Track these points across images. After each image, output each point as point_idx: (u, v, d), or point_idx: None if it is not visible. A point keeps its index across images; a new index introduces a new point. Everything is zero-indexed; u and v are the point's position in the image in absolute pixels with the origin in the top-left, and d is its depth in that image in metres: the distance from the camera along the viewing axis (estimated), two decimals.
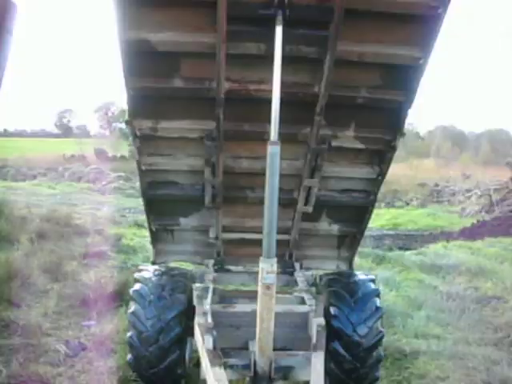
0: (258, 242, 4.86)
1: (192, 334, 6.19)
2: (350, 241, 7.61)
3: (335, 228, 7.34)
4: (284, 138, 4.55)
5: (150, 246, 7.92)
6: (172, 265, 7.62)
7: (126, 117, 5.94)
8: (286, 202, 6.50)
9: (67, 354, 7.65)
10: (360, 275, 7.07)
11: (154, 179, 6.68)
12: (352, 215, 7.19)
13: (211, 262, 7.59)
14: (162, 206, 7.09)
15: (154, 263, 7.71)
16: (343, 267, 7.84)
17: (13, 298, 9.61)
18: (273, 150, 4.44)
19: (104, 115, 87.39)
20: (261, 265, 4.59)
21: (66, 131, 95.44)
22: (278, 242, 4.67)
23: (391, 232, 20.07)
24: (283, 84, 4.57)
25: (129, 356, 6.60)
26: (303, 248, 7.60)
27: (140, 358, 6.40)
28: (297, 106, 5.58)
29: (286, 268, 7.54)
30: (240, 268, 7.76)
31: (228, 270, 7.74)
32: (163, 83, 5.51)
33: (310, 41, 5.12)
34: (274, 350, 5.09)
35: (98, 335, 8.25)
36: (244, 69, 5.42)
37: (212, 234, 7.18)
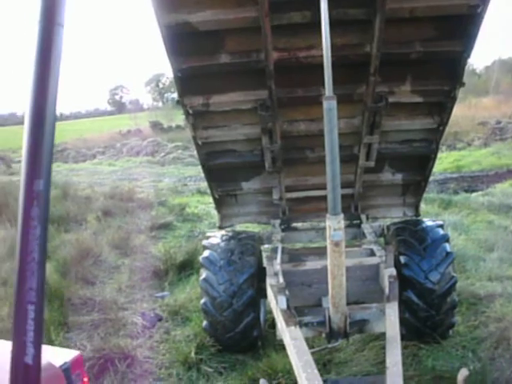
0: (322, 198, 4.81)
1: (265, 296, 6.22)
2: (414, 188, 7.49)
3: (399, 177, 7.23)
4: (339, 99, 4.41)
5: (214, 212, 7.96)
6: (238, 228, 7.64)
7: (177, 96, 5.94)
8: (347, 158, 6.40)
9: (144, 325, 7.79)
10: (427, 222, 6.94)
11: (212, 150, 6.68)
12: (415, 164, 7.07)
13: (277, 222, 7.58)
14: (223, 173, 7.09)
15: (220, 228, 7.75)
16: (409, 213, 7.72)
17: (87, 276, 9.82)
18: (329, 105, 4.31)
19: (155, 87, 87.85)
20: (327, 222, 4.54)
21: (119, 107, 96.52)
22: (343, 197, 4.60)
23: (455, 175, 19.64)
24: (333, 47, 4.41)
25: (204, 322, 6.70)
26: (368, 199, 7.51)
27: (215, 324, 6.49)
28: (349, 67, 5.46)
29: (353, 221, 7.47)
30: (307, 225, 7.73)
31: (295, 229, 7.73)
32: (209, 61, 5.47)
33: (357, 2, 4.97)
34: (348, 304, 5.06)
35: (172, 305, 8.37)
36: (291, 37, 5.30)
37: (275, 195, 7.15)
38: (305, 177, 7.08)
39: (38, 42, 0.79)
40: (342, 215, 4.50)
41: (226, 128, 6.37)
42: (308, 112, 6.14)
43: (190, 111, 6.06)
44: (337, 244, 4.55)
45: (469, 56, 5.49)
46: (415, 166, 7.09)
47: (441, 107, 6.22)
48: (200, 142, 6.50)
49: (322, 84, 4.38)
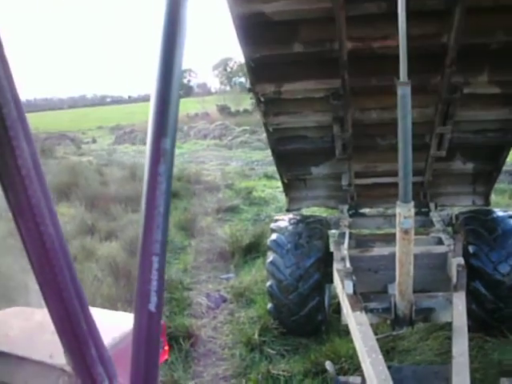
0: (392, 185, 4.77)
1: (330, 281, 6.23)
2: (485, 177, 7.32)
3: (470, 166, 7.08)
4: (413, 88, 4.30)
5: (281, 197, 8.00)
6: (306, 212, 7.63)
7: (248, 84, 5.94)
8: (419, 147, 6.24)
9: (209, 306, 7.90)
10: (498, 212, 6.78)
11: (283, 135, 6.66)
12: (488, 153, 6.89)
13: (345, 207, 7.54)
14: (293, 158, 7.07)
15: (288, 210, 7.77)
16: (479, 202, 7.55)
17: None
18: (403, 91, 4.20)
19: (223, 71, 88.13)
20: (398, 209, 4.48)
21: (187, 91, 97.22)
22: (413, 184, 4.54)
23: None
24: (409, 37, 4.31)
25: (269, 305, 6.73)
26: (437, 186, 7.37)
27: (280, 306, 6.52)
28: (424, 57, 5.27)
29: (421, 208, 7.38)
30: (375, 212, 7.67)
31: (363, 215, 7.68)
32: (282, 50, 5.42)
33: None
34: (414, 292, 5.01)
35: (237, 287, 8.44)
36: (366, 27, 5.19)
37: (344, 182, 7.10)
38: (374, 163, 7.00)
39: (165, 15, 0.83)
40: (412, 203, 4.44)
41: (297, 115, 6.33)
42: (381, 101, 6.01)
43: (262, 99, 6.04)
44: (406, 232, 4.50)
45: None
46: (488, 156, 6.92)
47: None
48: (271, 129, 6.50)
49: (397, 73, 4.27)
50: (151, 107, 0.85)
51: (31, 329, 2.16)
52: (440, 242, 6.43)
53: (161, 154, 0.82)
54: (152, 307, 0.86)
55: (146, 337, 0.89)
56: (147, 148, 0.84)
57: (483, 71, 5.59)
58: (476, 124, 6.42)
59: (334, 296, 6.58)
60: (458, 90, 5.70)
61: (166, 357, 3.09)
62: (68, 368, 1.21)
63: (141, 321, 0.87)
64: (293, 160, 7.07)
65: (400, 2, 4.13)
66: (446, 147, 6.45)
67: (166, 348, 3.03)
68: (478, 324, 6.17)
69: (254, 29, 5.14)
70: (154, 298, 0.86)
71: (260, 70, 5.65)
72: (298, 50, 5.38)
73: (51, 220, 0.91)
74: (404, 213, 4.42)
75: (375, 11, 4.96)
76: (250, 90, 6.01)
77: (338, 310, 6.19)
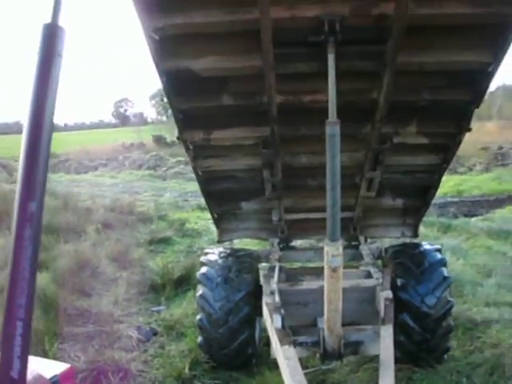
0: (322, 220, 4.82)
1: (261, 314, 6.24)
2: (414, 210, 7.48)
3: (400, 202, 7.20)
4: (343, 136, 4.35)
5: (214, 229, 7.97)
6: (237, 245, 7.64)
7: (176, 133, 5.93)
8: (348, 186, 6.31)
9: (139, 339, 7.78)
10: (425, 245, 6.93)
11: (212, 176, 6.67)
12: (417, 191, 7.03)
13: (276, 240, 7.58)
14: (222, 195, 7.08)
15: (219, 242, 7.79)
16: (408, 233, 7.69)
17: (84, 287, 9.82)
18: (332, 131, 4.26)
19: (160, 101, 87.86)
20: (326, 248, 4.53)
21: (123, 120, 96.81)
22: (342, 219, 4.57)
23: (456, 199, 19.57)
24: (339, 92, 4.36)
25: (199, 338, 6.70)
26: (367, 219, 7.47)
27: (210, 340, 6.50)
28: (355, 110, 5.35)
29: (351, 242, 7.48)
30: (305, 245, 7.72)
31: (293, 248, 7.74)
32: (211, 102, 5.42)
33: (366, 56, 4.86)
34: (343, 325, 5.07)
35: (168, 319, 8.37)
36: (296, 81, 5.21)
37: (275, 217, 7.13)
38: (304, 199, 7.06)
39: (37, 71, 0.83)
40: (340, 241, 4.50)
41: (227, 158, 6.34)
42: (311, 146, 6.03)
43: (191, 146, 6.06)
44: (334, 270, 4.55)
45: (477, 107, 5.40)
46: (417, 193, 7.06)
47: (446, 147, 6.17)
48: (200, 172, 6.51)
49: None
50: (19, 171, 0.85)
51: None
52: (369, 275, 6.52)
53: (27, 219, 0.82)
54: (15, 374, 0.85)
55: None
56: (14, 212, 0.84)
57: (412, 123, 5.72)
58: (405, 166, 6.56)
59: (265, 329, 6.58)
60: (388, 140, 5.82)
61: None
62: None
63: None
64: (222, 197, 7.08)
65: (330, 63, 4.24)
66: (375, 189, 6.57)
67: None
68: (406, 355, 6.29)
69: (182, 83, 5.11)
70: (16, 365, 0.85)
71: (188, 119, 5.65)
72: (227, 103, 5.37)
73: None
74: (332, 251, 4.47)
75: (306, 70, 5.01)
76: (178, 139, 5.96)
77: (268, 343, 6.19)
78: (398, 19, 4.26)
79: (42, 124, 0.80)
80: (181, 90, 5.20)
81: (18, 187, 0.82)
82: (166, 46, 4.58)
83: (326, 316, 4.93)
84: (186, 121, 5.66)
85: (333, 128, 4.26)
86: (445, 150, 6.21)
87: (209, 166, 6.47)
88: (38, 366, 2.74)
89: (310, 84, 5.21)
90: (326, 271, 4.62)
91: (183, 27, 4.45)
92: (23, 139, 0.82)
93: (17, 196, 0.82)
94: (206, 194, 6.99)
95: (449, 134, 5.92)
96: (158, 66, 4.78)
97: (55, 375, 2.76)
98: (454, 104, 5.51)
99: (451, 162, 6.46)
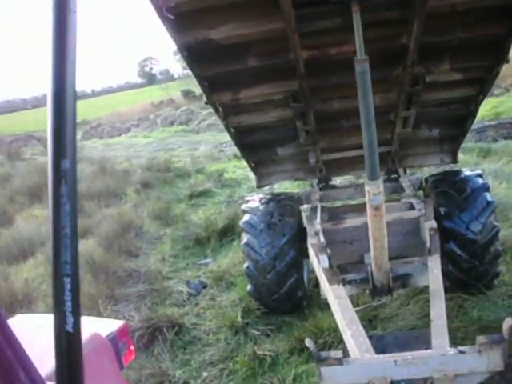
0: (360, 157, 4.75)
1: (307, 256, 6.23)
2: (452, 138, 7.32)
3: (436, 132, 7.03)
4: (374, 81, 4.22)
5: (252, 176, 7.95)
6: (277, 190, 7.61)
7: (204, 98, 5.84)
8: (383, 123, 6.16)
9: (190, 293, 7.89)
10: (466, 171, 6.80)
11: (244, 130, 6.59)
12: (453, 121, 6.87)
13: (315, 181, 7.54)
14: (257, 145, 7.01)
15: (258, 187, 7.78)
16: (447, 160, 7.54)
17: (130, 248, 9.97)
18: (362, 68, 4.12)
19: None
20: (366, 187, 4.47)
21: (150, 79, 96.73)
22: (380, 154, 4.49)
23: (493, 122, 19.05)
24: (367, 41, 4.16)
25: (249, 286, 6.74)
26: (404, 150, 7.29)
27: (260, 287, 6.54)
28: (385, 55, 5.17)
29: (391, 175, 7.39)
30: (345, 183, 7.65)
31: (333, 187, 7.67)
32: (236, 65, 5.25)
33: (392, 6, 4.62)
34: (390, 259, 5.04)
35: (216, 271, 8.45)
36: (321, 36, 4.97)
37: (312, 159, 7.02)
38: (340, 139, 6.93)
39: (53, 29, 0.82)
40: (380, 179, 4.42)
41: (257, 112, 6.21)
42: (342, 92, 5.84)
43: (220, 108, 5.97)
44: (377, 208, 4.50)
45: None
46: (453, 123, 6.91)
47: (482, 80, 5.91)
48: (232, 129, 6.45)
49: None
50: (48, 131, 0.84)
51: None
52: (411, 207, 6.45)
53: (61, 176, 0.81)
54: (69, 328, 0.86)
55: (67, 357, 0.88)
56: (48, 171, 0.83)
57: (445, 61, 5.46)
58: (440, 101, 6.36)
59: (313, 271, 6.60)
60: (421, 81, 5.58)
61: (133, 356, 3.10)
62: None
63: (60, 343, 0.87)
64: (257, 146, 7.01)
65: (355, 21, 4.08)
66: (411, 125, 6.40)
67: (132, 348, 3.05)
68: (455, 284, 6.24)
69: (203, 53, 4.99)
70: (70, 319, 0.86)
71: (214, 84, 5.54)
72: (252, 64, 5.22)
73: None
74: (373, 190, 4.41)
75: (329, 26, 4.80)
76: (206, 103, 5.87)
77: (317, 284, 6.21)
78: None
79: (65, 80, 0.79)
80: (203, 59, 5.09)
81: (49, 147, 0.82)
82: (181, 22, 4.42)
83: (372, 253, 4.91)
84: (211, 86, 5.56)
85: (362, 65, 4.11)
86: (481, 82, 5.96)
87: (240, 122, 6.36)
88: (94, 325, 2.81)
89: (335, 37, 4.98)
90: (368, 210, 4.57)
91: (196, 2, 4.29)
92: (48, 98, 0.81)
93: (49, 155, 0.82)
94: (240, 146, 6.94)
95: (485, 67, 5.66)
96: (176, 41, 4.68)
97: (111, 332, 2.83)
98: (490, 38, 5.22)
99: (487, 94, 6.21)
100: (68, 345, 0.88)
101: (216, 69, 5.29)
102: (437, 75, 5.62)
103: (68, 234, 0.85)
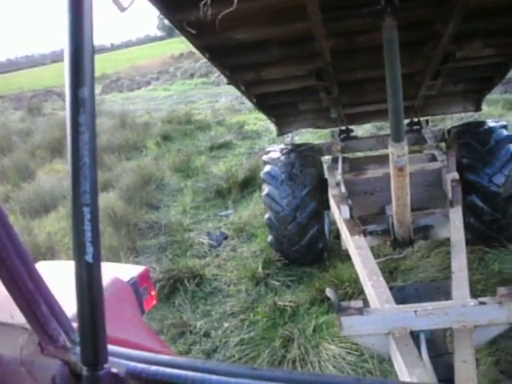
0: (383, 111, 4.65)
1: (328, 207, 6.21)
2: (477, 91, 7.16)
3: (461, 86, 6.90)
4: (401, 51, 3.98)
5: (273, 128, 7.91)
6: (298, 142, 7.57)
7: (226, 80, 5.84)
8: (408, 83, 5.92)
9: (211, 244, 7.93)
10: (490, 123, 6.66)
11: (266, 97, 6.55)
12: (480, 79, 6.74)
13: (337, 131, 7.48)
14: (279, 105, 7.00)
15: (279, 135, 7.78)
16: (471, 108, 7.39)
17: (151, 200, 10.01)
18: (390, 35, 3.89)
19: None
20: (390, 149, 4.38)
21: (169, 32, 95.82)
22: (403, 108, 4.41)
23: None
24: (398, 27, 3.92)
25: (269, 237, 6.76)
26: (427, 100, 7.21)
27: (280, 238, 6.56)
28: (415, 37, 5.04)
29: (413, 126, 7.30)
30: (366, 134, 7.56)
31: (354, 138, 7.60)
32: (258, 56, 5.18)
33: (429, 6, 4.45)
34: (411, 211, 5.01)
35: (237, 222, 8.48)
36: (348, 21, 4.71)
37: (333, 114, 6.93)
38: (363, 95, 6.77)
39: None
40: (405, 141, 4.33)
41: (279, 83, 6.13)
42: (368, 62, 5.64)
43: (242, 86, 5.97)
44: (401, 169, 4.44)
45: None
46: (480, 80, 6.76)
47: None
48: (254, 99, 6.47)
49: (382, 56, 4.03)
50: (65, 58, 0.82)
51: None
52: (433, 158, 6.37)
53: (80, 104, 0.79)
54: (89, 258, 0.85)
55: (87, 287, 0.89)
56: (66, 99, 0.81)
57: (477, 39, 5.25)
58: (468, 67, 6.18)
59: (334, 222, 6.59)
60: (450, 58, 5.38)
61: (155, 302, 3.12)
62: (28, 327, 1.24)
63: (80, 272, 0.87)
64: (278, 105, 6.98)
65: (386, 34, 3.90)
66: (437, 88, 6.27)
67: (153, 293, 3.06)
68: (477, 237, 6.18)
69: (225, 50, 4.94)
70: (90, 249, 0.85)
71: (236, 70, 5.52)
72: (276, 53, 5.13)
73: None
74: (397, 152, 4.33)
75: (360, 28, 4.74)
76: (228, 84, 5.90)
77: (338, 235, 6.20)
78: None
79: (82, 6, 0.78)
80: (225, 54, 5.05)
81: (65, 74, 0.80)
82: (202, 31, 4.36)
83: (394, 209, 4.86)
84: (233, 72, 5.55)
85: (390, 32, 3.88)
86: None
87: (261, 92, 6.37)
88: (115, 270, 2.83)
89: (363, 26, 4.76)
90: (391, 170, 4.49)
91: (217, 13, 4.11)
92: (65, 22, 0.79)
93: (66, 83, 0.80)
94: (262, 108, 6.92)
95: None
96: (197, 47, 4.70)
97: (132, 277, 2.85)
98: None
99: None
100: (88, 274, 0.88)
101: (238, 60, 5.27)
102: (468, 51, 5.45)
103: (87, 164, 0.83)
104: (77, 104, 0.79)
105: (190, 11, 3.99)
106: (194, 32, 4.22)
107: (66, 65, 0.82)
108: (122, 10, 3.14)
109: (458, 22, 4.50)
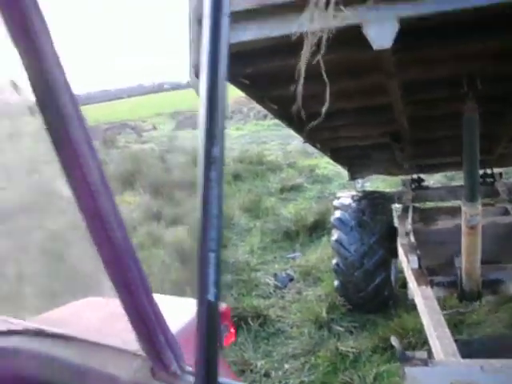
0: (456, 163, 4.62)
1: (396, 256, 6.21)
2: None
3: None
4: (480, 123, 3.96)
5: (344, 174, 7.96)
6: (369, 189, 7.60)
7: (302, 139, 5.95)
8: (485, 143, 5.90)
9: (276, 285, 7.98)
10: None
11: (341, 148, 6.70)
12: None
13: (408, 180, 7.50)
14: (350, 156, 7.13)
15: (351, 180, 7.85)
16: None
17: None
18: (469, 115, 3.91)
19: None
20: (464, 208, 4.33)
21: None
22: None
23: None
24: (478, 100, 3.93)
25: (336, 282, 6.78)
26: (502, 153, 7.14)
27: (347, 283, 6.58)
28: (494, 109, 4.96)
29: (486, 178, 7.25)
30: (437, 184, 7.53)
31: (426, 188, 7.60)
32: (335, 121, 5.23)
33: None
34: (481, 263, 4.97)
35: (304, 265, 8.51)
36: (430, 105, 4.86)
37: (406, 165, 6.99)
38: (436, 149, 6.76)
39: (209, 32, 0.90)
40: (479, 201, 4.28)
41: (355, 139, 6.26)
42: (444, 126, 5.66)
43: (318, 145, 6.18)
44: (473, 227, 4.43)
45: None
46: None
47: None
48: (329, 153, 6.69)
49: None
50: (200, 120, 0.93)
51: (104, 317, 2.28)
52: (506, 212, 6.31)
53: (211, 162, 0.90)
54: (211, 297, 0.95)
55: (207, 323, 0.98)
56: (200, 156, 0.92)
57: None
58: None
59: (401, 271, 6.57)
60: None
61: (233, 339, 3.19)
62: (141, 353, 1.34)
63: (202, 310, 0.97)
64: (350, 156, 7.07)
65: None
66: None
67: (233, 330, 3.15)
68: None
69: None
70: (212, 289, 0.95)
71: (313, 132, 5.57)
72: (352, 119, 5.25)
73: (116, 221, 1.01)
74: (470, 212, 4.28)
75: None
76: (305, 142, 6.06)
77: (404, 284, 6.18)
78: None
79: (217, 76, 0.89)
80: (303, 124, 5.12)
81: (200, 135, 0.93)
82: (255, 85, 4.30)
83: (463, 263, 4.81)
84: (310, 134, 5.50)
85: (470, 114, 3.92)
86: None
87: (337, 147, 6.57)
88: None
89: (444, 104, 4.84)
90: (463, 228, 4.44)
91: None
92: (201, 92, 0.91)
93: (200, 143, 0.92)
94: (336, 160, 7.04)
95: None
96: (277, 116, 5.09)
97: None
98: None
99: None
100: (208, 311, 0.98)
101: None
102: None
103: (215, 214, 0.94)
104: (209, 162, 0.90)
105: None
106: (247, 82, 4.14)
107: (200, 125, 0.94)
108: None
109: None
